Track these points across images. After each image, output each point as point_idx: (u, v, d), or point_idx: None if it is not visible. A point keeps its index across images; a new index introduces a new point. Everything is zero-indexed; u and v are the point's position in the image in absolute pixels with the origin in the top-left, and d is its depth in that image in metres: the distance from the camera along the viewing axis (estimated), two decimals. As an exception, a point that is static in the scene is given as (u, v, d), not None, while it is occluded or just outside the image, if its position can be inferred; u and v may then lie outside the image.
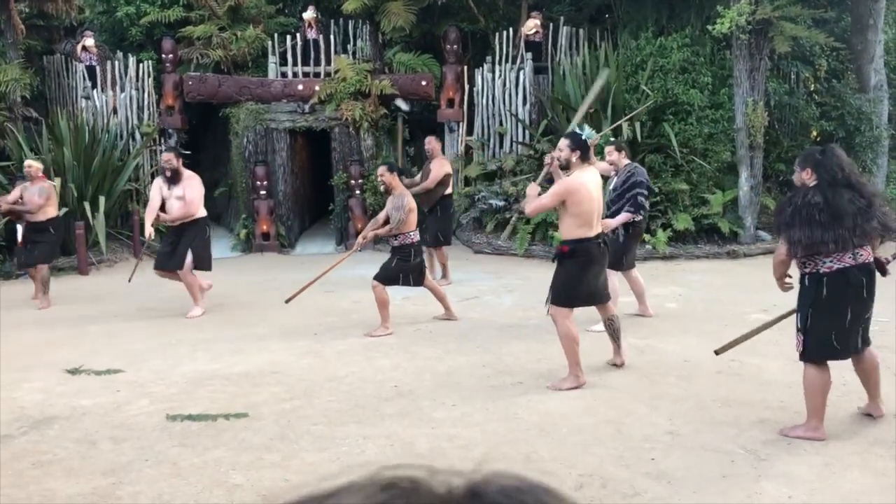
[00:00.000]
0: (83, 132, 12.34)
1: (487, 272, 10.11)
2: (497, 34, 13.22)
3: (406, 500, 0.41)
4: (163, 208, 8.03)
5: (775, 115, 12.67)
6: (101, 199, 11.53)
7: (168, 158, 8.12)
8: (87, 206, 11.46)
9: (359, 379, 5.74)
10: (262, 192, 12.80)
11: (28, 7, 12.99)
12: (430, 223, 9.13)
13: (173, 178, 8.02)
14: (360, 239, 7.18)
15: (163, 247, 8.31)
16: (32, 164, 8.85)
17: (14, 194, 8.84)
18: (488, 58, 13.20)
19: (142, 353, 6.59)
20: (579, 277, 5.34)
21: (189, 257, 8.00)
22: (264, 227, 12.80)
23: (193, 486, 3.98)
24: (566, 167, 5.34)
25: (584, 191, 5.20)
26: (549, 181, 5.74)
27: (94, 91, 13.22)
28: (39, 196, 8.63)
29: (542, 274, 8.65)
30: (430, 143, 9.47)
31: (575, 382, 5.34)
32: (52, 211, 8.84)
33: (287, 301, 7.10)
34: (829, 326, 4.28)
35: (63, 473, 4.18)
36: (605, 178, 6.82)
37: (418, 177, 9.57)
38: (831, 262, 4.24)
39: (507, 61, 13.06)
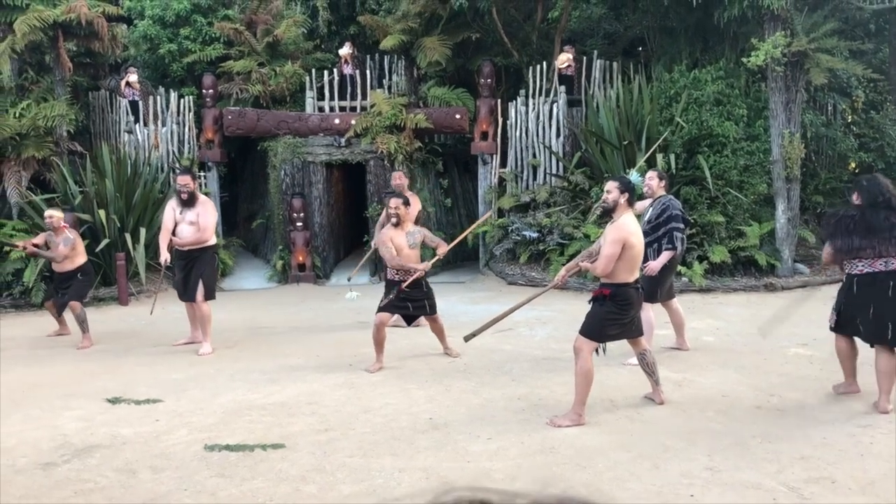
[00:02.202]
0: (125, 165, 12.65)
1: (521, 304, 10.09)
2: (530, 68, 13.34)
3: None
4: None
5: (812, 147, 12.56)
6: (142, 231, 11.77)
7: (185, 182, 7.95)
8: (128, 237, 11.71)
9: (394, 410, 5.76)
10: (299, 224, 12.97)
11: (76, 45, 13.42)
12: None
13: (188, 202, 7.89)
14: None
15: (177, 275, 8.28)
16: (53, 215, 8.58)
17: (38, 240, 8.74)
18: (522, 91, 13.31)
19: (180, 383, 6.68)
20: (615, 319, 5.36)
21: (201, 288, 7.93)
22: (300, 258, 12.95)
23: (231, 517, 4.01)
24: (612, 209, 5.37)
25: (635, 238, 5.29)
26: (602, 222, 5.78)
27: (137, 125, 13.57)
28: (65, 246, 8.47)
29: (577, 307, 8.64)
30: (398, 178, 8.87)
31: (576, 421, 5.29)
32: (79, 259, 8.62)
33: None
34: (856, 315, 5.46)
35: (105, 502, 4.24)
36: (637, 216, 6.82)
37: (383, 215, 9.00)
38: (863, 266, 5.39)
39: (540, 94, 13.15)
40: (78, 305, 8.49)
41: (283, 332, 8.97)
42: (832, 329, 5.76)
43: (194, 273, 7.96)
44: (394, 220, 7.07)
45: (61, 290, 8.65)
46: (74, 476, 4.61)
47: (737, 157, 11.45)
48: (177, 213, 7.98)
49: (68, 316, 8.89)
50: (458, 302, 10.40)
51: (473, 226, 8.59)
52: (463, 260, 13.89)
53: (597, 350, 5.46)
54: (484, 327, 6.07)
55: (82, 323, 8.48)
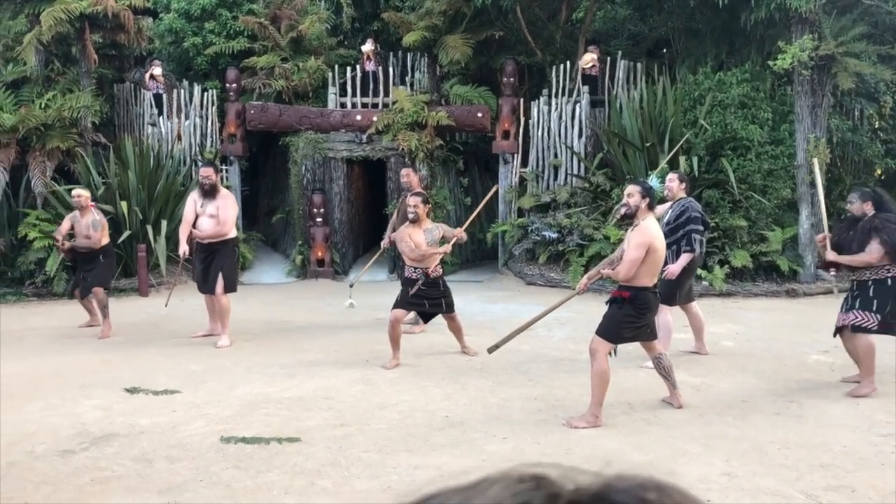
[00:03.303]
0: (148, 157, 12.74)
1: (540, 304, 10.05)
2: (554, 67, 13.28)
3: (543, 492, 0.43)
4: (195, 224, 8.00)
5: (837, 153, 12.41)
6: (164, 223, 11.85)
7: (207, 174, 8.03)
8: (149, 229, 11.79)
9: (410, 407, 5.75)
10: (319, 220, 13.00)
11: (102, 38, 13.50)
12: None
13: (210, 194, 7.94)
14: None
15: (196, 267, 8.33)
16: (81, 194, 8.66)
17: (65, 226, 8.74)
18: (545, 90, 13.25)
19: (198, 375, 6.72)
20: (632, 322, 5.33)
21: (220, 281, 7.96)
22: (319, 254, 12.98)
23: (246, 509, 4.02)
24: (634, 213, 5.34)
25: (658, 242, 5.27)
26: (622, 224, 5.76)
27: (161, 118, 13.65)
28: (95, 229, 8.51)
29: (596, 308, 8.57)
30: (408, 175, 8.72)
31: (592, 423, 5.26)
32: (103, 240, 8.67)
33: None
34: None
35: (121, 491, 4.27)
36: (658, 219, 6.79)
37: (394, 216, 9.07)
38: None
39: (563, 94, 13.09)
40: (101, 291, 8.55)
41: (301, 327, 9.00)
42: (870, 331, 5.90)
43: (214, 265, 8.00)
44: (412, 217, 7.08)
45: (84, 272, 8.69)
46: (92, 464, 4.64)
47: (761, 160, 11.34)
48: (198, 206, 8.01)
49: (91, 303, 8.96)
50: (475, 301, 10.38)
51: (484, 201, 8.53)
52: (481, 259, 13.86)
53: (612, 352, 5.43)
54: (507, 338, 6.06)
55: (104, 308, 8.54)
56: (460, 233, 7.28)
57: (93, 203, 8.75)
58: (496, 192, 9.50)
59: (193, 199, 8.09)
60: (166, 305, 9.12)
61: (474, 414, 5.59)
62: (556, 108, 13.05)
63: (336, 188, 13.36)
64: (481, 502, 0.43)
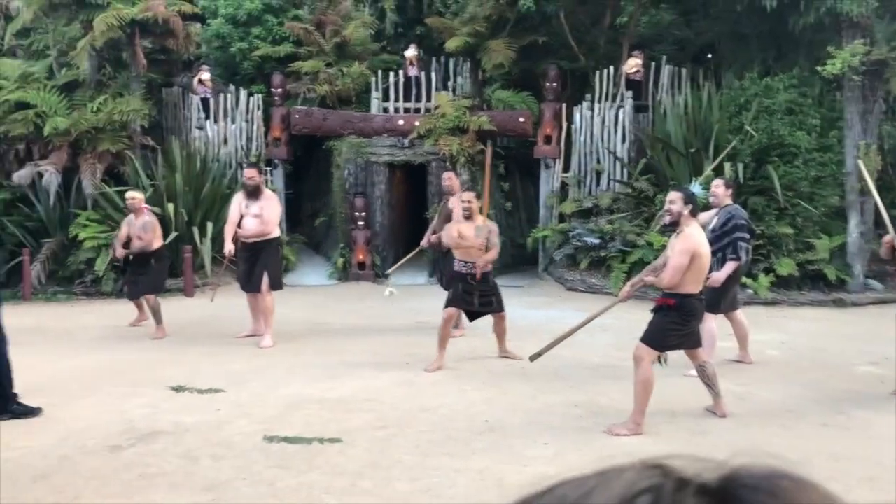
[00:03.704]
0: (195, 160, 12.98)
1: (580, 311, 9.99)
2: (597, 72, 13.21)
3: (673, 478, 0.44)
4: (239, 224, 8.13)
5: (889, 160, 12.13)
6: (209, 225, 12.05)
7: (251, 175, 8.22)
8: (195, 230, 12.00)
9: (451, 411, 5.77)
10: (360, 223, 13.10)
11: (151, 43, 13.81)
12: (447, 265, 8.49)
13: (254, 194, 8.09)
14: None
15: (240, 266, 8.44)
16: (135, 196, 8.82)
17: (123, 232, 8.88)
18: (588, 95, 13.19)
19: (241, 374, 6.82)
20: (677, 329, 5.29)
21: (265, 279, 8.08)
22: (361, 257, 13.08)
23: (288, 508, 4.07)
24: (677, 220, 5.29)
25: (703, 249, 5.22)
26: (666, 231, 5.72)
27: (207, 122, 13.90)
28: (148, 231, 8.64)
29: (638, 315, 8.50)
30: (450, 179, 8.74)
31: (634, 430, 5.21)
32: (156, 243, 8.79)
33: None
34: None
35: (167, 487, 4.36)
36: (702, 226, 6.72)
37: (435, 217, 9.06)
38: None
39: (606, 99, 13.02)
40: (153, 297, 8.68)
41: (341, 329, 9.07)
42: None
43: (259, 265, 8.13)
44: (465, 213, 7.16)
45: (136, 275, 8.83)
46: (139, 460, 4.74)
47: (808, 167, 11.14)
48: (242, 206, 8.17)
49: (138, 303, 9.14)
50: (516, 306, 10.32)
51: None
52: (521, 264, 13.83)
53: (658, 360, 5.38)
54: (550, 346, 6.06)
55: (156, 314, 8.66)
56: (488, 258, 7.22)
57: (146, 205, 8.91)
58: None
59: (238, 200, 8.25)
60: (212, 300, 9.30)
61: (515, 419, 5.58)
62: (599, 113, 12.98)
63: (378, 192, 13.45)
64: (616, 486, 0.44)
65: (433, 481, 4.41)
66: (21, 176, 12.22)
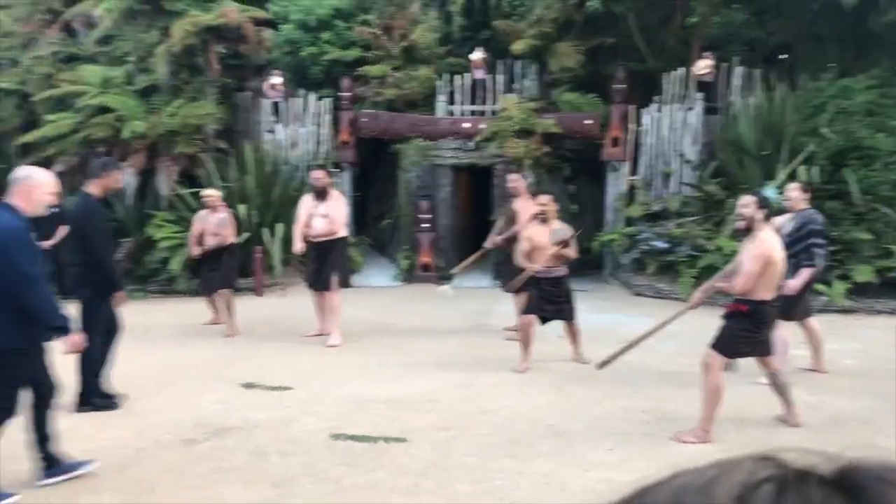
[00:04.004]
0: (265, 163, 13.29)
1: (647, 316, 9.86)
2: (667, 74, 13.01)
3: (793, 469, 0.46)
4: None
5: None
6: (279, 226, 12.31)
7: (319, 176, 8.47)
8: (265, 231, 12.29)
9: (513, 414, 5.77)
10: (425, 225, 13.20)
11: (225, 48, 14.19)
12: (508, 268, 8.69)
13: (321, 195, 8.34)
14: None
15: (309, 265, 8.66)
16: (212, 194, 9.13)
17: (196, 228, 9.14)
18: (656, 97, 13.01)
19: (309, 373, 6.96)
20: (749, 336, 5.18)
21: (334, 278, 8.28)
22: (425, 259, 13.18)
23: (354, 505, 4.14)
24: (750, 225, 5.19)
25: (777, 255, 5.11)
26: (738, 236, 5.61)
27: (278, 125, 14.21)
28: (224, 227, 8.93)
29: (707, 321, 8.34)
30: (515, 181, 8.74)
31: (702, 438, 5.11)
32: (230, 238, 9.09)
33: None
34: None
35: (238, 481, 4.48)
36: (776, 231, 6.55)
37: (500, 220, 9.05)
38: None
39: (675, 101, 12.81)
40: (227, 292, 8.96)
41: (406, 330, 9.16)
42: None
43: (328, 263, 8.34)
44: (541, 216, 7.18)
45: (209, 270, 9.07)
46: (212, 454, 4.89)
47: (889, 171, 10.74)
48: (311, 207, 8.41)
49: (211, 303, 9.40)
50: (581, 310, 10.20)
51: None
52: (587, 268, 13.70)
53: (728, 367, 5.28)
54: (618, 354, 6.01)
55: (229, 311, 8.92)
56: (567, 251, 7.22)
57: (222, 202, 9.20)
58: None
59: (307, 201, 8.48)
60: (285, 294, 9.50)
61: (579, 424, 5.55)
62: (669, 115, 12.79)
63: (443, 194, 13.53)
64: (738, 475, 0.45)
65: (496, 483, 4.43)
66: (102, 178, 12.70)
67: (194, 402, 6.02)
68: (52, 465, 4.43)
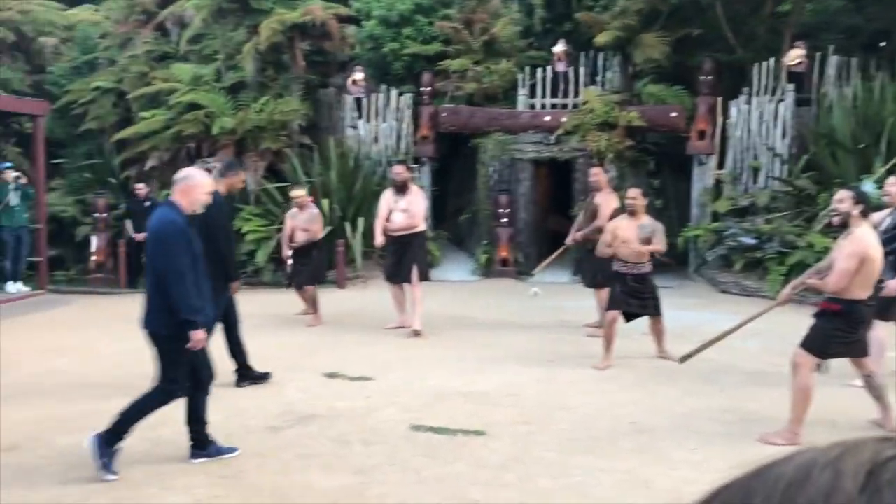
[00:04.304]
0: (348, 158, 13.51)
1: (734, 314, 9.58)
2: (756, 64, 12.60)
3: None
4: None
5: None
6: (360, 221, 12.51)
7: (399, 171, 8.62)
8: (347, 226, 12.50)
9: (594, 410, 5.71)
10: (504, 220, 13.17)
11: (309, 45, 14.49)
12: (588, 264, 8.61)
13: (401, 190, 8.46)
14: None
15: (388, 259, 8.79)
16: (302, 194, 9.24)
17: (288, 226, 9.26)
18: (745, 89, 12.62)
19: (390, 364, 7.05)
20: (842, 336, 4.97)
21: (414, 270, 8.39)
22: (504, 254, 13.15)
23: (434, 496, 4.18)
24: (846, 221, 4.98)
25: (874, 252, 4.88)
26: (831, 232, 5.40)
27: (360, 121, 14.41)
28: (314, 223, 9.11)
29: (795, 319, 8.06)
30: (597, 174, 8.64)
31: (790, 440, 4.91)
32: (319, 234, 9.24)
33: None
34: None
35: (321, 468, 4.58)
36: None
37: (581, 214, 8.96)
38: None
39: (765, 92, 12.40)
40: (312, 288, 9.19)
41: (484, 325, 9.17)
42: None
43: (407, 257, 8.46)
44: (629, 209, 7.09)
45: (299, 265, 9.25)
46: (296, 441, 5.02)
47: None
48: (391, 202, 8.53)
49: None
50: (665, 307, 10.03)
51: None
52: (671, 264, 13.42)
53: (818, 367, 5.09)
54: (701, 348, 5.87)
55: (313, 303, 9.16)
56: (652, 247, 7.11)
57: (310, 198, 9.43)
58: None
59: (387, 196, 8.62)
60: (365, 286, 9.64)
61: (661, 422, 5.45)
62: (758, 107, 12.39)
63: (522, 189, 13.47)
64: (865, 453, 0.45)
65: (576, 479, 4.39)
66: (192, 172, 13.16)
67: (279, 390, 6.19)
68: (202, 446, 4.67)
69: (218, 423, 5.04)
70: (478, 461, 4.67)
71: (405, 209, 8.42)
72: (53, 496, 4.16)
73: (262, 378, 6.43)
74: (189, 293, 4.42)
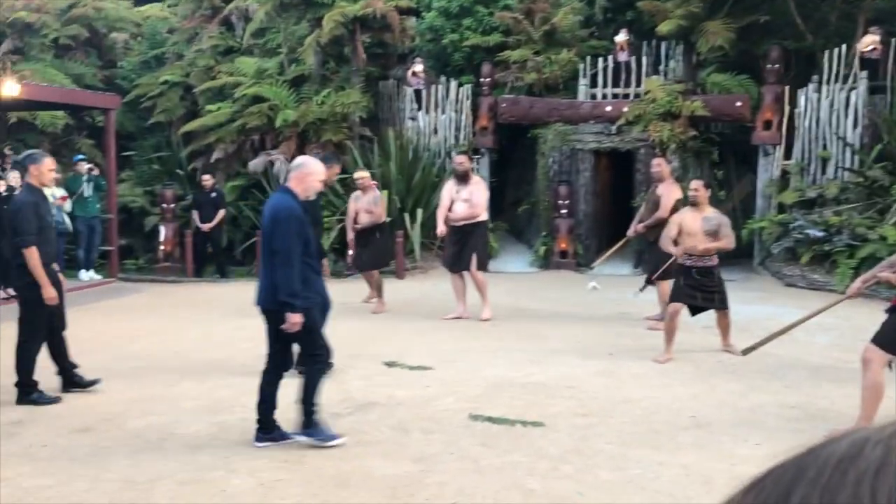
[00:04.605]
0: (407, 150, 13.59)
1: (799, 308, 9.34)
2: (826, 51, 12.22)
3: None
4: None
5: None
6: (419, 211, 12.58)
7: (461, 161, 8.73)
8: (406, 217, 12.59)
9: (654, 404, 5.65)
10: (564, 211, 13.08)
11: (370, 38, 14.61)
12: (651, 255, 8.43)
13: (463, 179, 8.55)
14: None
15: (448, 248, 8.84)
16: (365, 176, 9.45)
17: (351, 208, 9.47)
18: (814, 77, 12.24)
19: (448, 354, 7.10)
20: None
21: (475, 259, 8.50)
22: (563, 246, 13.06)
23: (492, 485, 4.20)
24: None
25: None
26: None
27: (419, 112, 14.48)
28: (376, 205, 9.26)
29: (865, 314, 7.82)
30: (659, 165, 8.52)
31: None
32: (381, 217, 9.40)
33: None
34: None
35: (380, 455, 4.65)
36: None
37: (643, 206, 8.86)
38: None
39: (836, 80, 12.01)
40: (376, 272, 9.34)
41: (543, 316, 9.14)
42: None
43: (468, 246, 8.55)
44: (692, 200, 6.97)
45: (361, 248, 9.40)
46: (356, 428, 5.10)
47: None
48: (453, 192, 8.62)
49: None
50: (730, 301, 9.88)
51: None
52: (735, 256, 13.13)
53: (889, 364, 4.93)
54: (765, 341, 5.76)
55: (378, 288, 9.33)
56: (719, 244, 6.97)
57: (373, 182, 9.57)
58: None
59: (449, 186, 8.73)
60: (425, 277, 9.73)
61: (723, 416, 5.36)
62: (828, 95, 12.02)
63: (582, 180, 13.35)
64: None
65: (636, 472, 4.36)
66: (255, 164, 13.45)
67: (340, 378, 6.28)
68: (311, 426, 4.79)
69: (280, 409, 5.15)
70: (536, 452, 4.67)
71: (467, 199, 8.52)
72: (124, 477, 4.32)
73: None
74: (293, 277, 4.60)
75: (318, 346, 4.85)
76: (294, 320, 4.61)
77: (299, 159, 5.18)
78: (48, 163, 5.87)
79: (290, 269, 4.60)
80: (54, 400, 5.70)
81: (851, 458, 0.45)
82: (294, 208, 4.70)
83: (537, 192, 14.00)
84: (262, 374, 4.88)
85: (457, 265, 8.69)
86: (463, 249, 8.55)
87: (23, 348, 5.71)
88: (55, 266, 5.81)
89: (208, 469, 4.42)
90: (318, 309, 4.92)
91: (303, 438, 4.74)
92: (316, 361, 4.83)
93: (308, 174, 4.86)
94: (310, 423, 4.76)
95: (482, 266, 8.67)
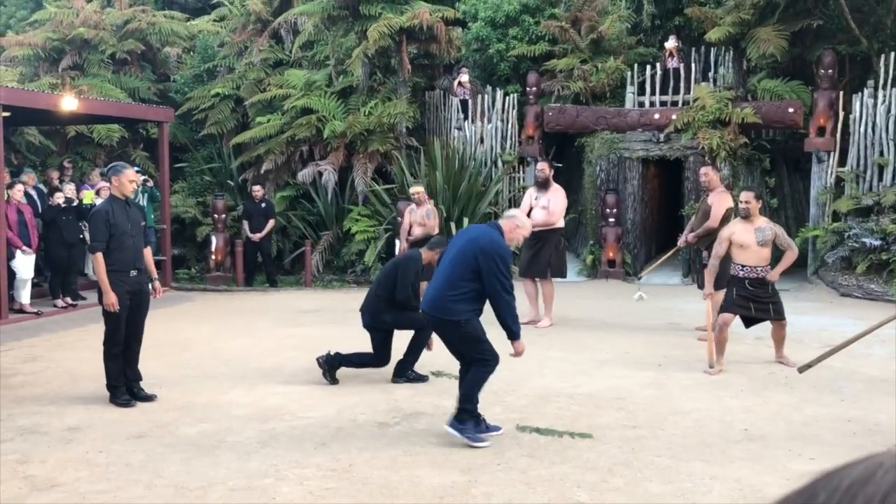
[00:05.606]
0: (453, 159, 13.63)
1: (855, 318, 9.11)
2: (882, 56, 11.92)
3: None
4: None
5: None
6: (465, 221, 12.60)
7: (542, 167, 8.90)
8: (452, 226, 12.61)
9: (705, 416, 5.56)
10: (611, 220, 12.97)
11: (416, 48, 14.70)
12: (702, 267, 8.20)
13: (543, 186, 8.74)
14: None
15: (523, 254, 8.92)
16: (420, 191, 9.65)
17: (406, 220, 9.69)
18: (870, 82, 11.95)
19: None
20: None
21: (549, 266, 8.66)
22: (611, 255, 12.95)
23: (540, 497, 4.18)
24: None
25: None
26: None
27: (465, 122, 14.52)
28: (430, 218, 9.39)
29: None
30: (706, 174, 8.39)
31: None
32: (436, 229, 9.49)
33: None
34: None
35: (427, 464, 4.66)
36: None
37: (693, 215, 8.80)
38: None
39: (893, 86, 11.71)
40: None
41: (591, 326, 9.07)
42: None
43: (543, 252, 8.71)
44: (743, 212, 6.84)
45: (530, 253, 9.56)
46: (404, 437, 5.13)
47: None
48: (532, 199, 8.84)
49: None
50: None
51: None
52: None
53: None
54: (822, 357, 5.62)
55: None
56: (787, 263, 6.86)
57: (426, 196, 9.77)
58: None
59: (529, 192, 9.00)
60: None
61: (777, 430, 5.25)
62: (884, 100, 11.72)
63: (630, 188, 13.23)
64: None
65: (686, 486, 4.30)
66: (304, 175, 13.61)
67: (387, 387, 6.33)
68: (463, 421, 4.97)
69: (329, 418, 5.21)
70: (584, 463, 4.64)
71: (545, 206, 8.68)
72: (177, 483, 4.41)
73: (420, 378, 6.58)
74: (512, 308, 4.98)
75: (483, 350, 5.10)
76: (519, 348, 5.17)
77: (513, 211, 5.89)
78: (129, 174, 6.08)
79: (509, 303, 4.98)
80: (151, 397, 6.03)
81: (862, 483, 0.45)
82: (505, 249, 5.04)
83: (585, 201, 13.91)
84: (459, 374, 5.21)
85: (531, 271, 8.82)
86: (537, 255, 8.72)
87: (103, 351, 6.02)
88: (133, 273, 5.97)
89: (258, 476, 4.49)
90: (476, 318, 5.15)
91: (453, 432, 4.94)
92: (483, 363, 5.08)
93: (519, 227, 5.23)
94: (467, 418, 4.97)
95: (560, 274, 8.89)
